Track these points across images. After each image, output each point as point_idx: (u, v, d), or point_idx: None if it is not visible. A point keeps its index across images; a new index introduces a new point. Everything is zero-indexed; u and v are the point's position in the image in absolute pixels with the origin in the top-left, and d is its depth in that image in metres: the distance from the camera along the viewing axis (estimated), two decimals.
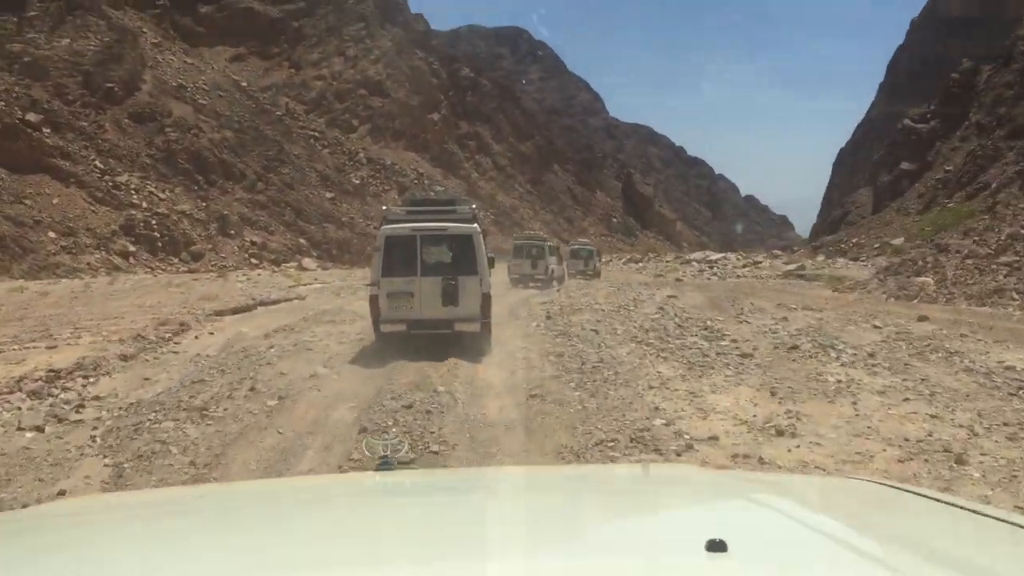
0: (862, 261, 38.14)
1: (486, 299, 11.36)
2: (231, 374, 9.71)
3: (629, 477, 2.42)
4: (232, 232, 43.21)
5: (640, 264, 53.91)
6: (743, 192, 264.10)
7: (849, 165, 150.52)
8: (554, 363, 10.31)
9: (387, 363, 10.19)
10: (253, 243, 43.92)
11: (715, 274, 37.34)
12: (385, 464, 2.33)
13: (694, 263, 46.45)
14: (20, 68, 44.86)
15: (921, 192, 58.66)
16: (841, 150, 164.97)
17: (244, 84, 75.37)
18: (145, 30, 65.07)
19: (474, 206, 12.64)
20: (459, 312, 11.28)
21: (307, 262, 42.34)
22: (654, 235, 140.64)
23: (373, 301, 11.35)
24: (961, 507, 1.66)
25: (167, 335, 12.90)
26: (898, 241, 41.30)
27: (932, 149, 63.45)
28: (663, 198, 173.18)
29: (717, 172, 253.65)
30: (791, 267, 36.10)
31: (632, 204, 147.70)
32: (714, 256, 50.57)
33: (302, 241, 47.21)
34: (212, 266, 39.63)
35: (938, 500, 1.75)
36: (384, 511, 1.78)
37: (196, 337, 13.18)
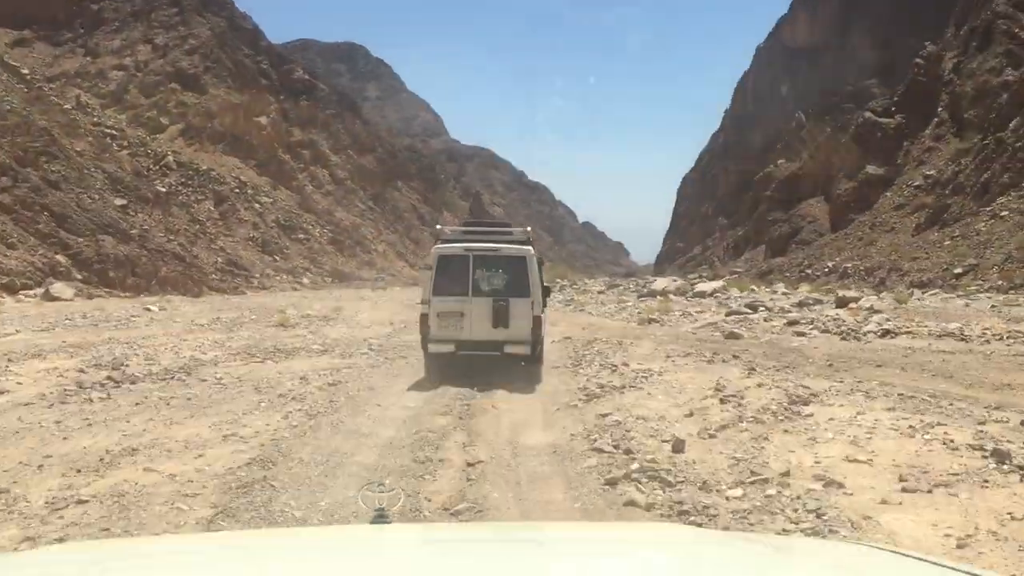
0: None
1: (537, 322, 11.11)
2: None
3: (629, 540, 2.10)
4: None
5: (557, 295, 35.57)
6: (580, 219, 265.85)
7: (695, 191, 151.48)
8: None
9: None
10: None
11: (815, 327, 18.10)
12: (381, 517, 2.16)
13: (670, 296, 30.95)
14: None
15: (899, 203, 49.43)
16: (685, 176, 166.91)
17: (25, 71, 60.30)
18: None
19: (529, 229, 12.39)
20: (509, 334, 11.04)
21: (60, 288, 29.75)
22: None
23: (423, 320, 11.16)
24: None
25: None
26: None
27: (900, 150, 54.67)
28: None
29: (556, 198, 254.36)
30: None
31: None
32: (708, 287, 33.98)
33: (60, 258, 34.18)
34: None
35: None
36: (378, 567, 1.64)
37: None
